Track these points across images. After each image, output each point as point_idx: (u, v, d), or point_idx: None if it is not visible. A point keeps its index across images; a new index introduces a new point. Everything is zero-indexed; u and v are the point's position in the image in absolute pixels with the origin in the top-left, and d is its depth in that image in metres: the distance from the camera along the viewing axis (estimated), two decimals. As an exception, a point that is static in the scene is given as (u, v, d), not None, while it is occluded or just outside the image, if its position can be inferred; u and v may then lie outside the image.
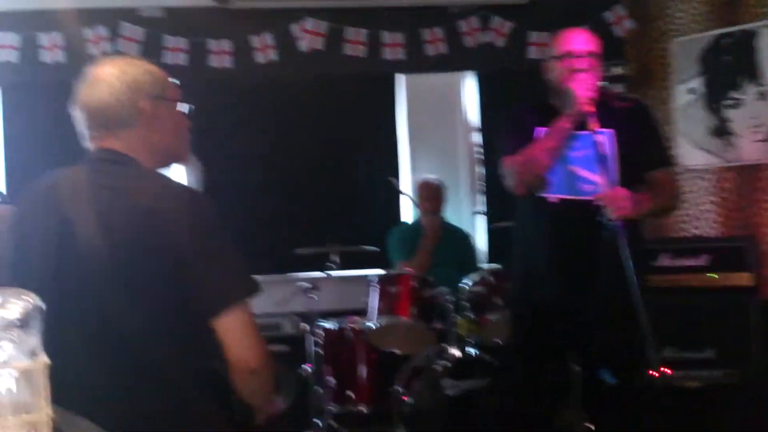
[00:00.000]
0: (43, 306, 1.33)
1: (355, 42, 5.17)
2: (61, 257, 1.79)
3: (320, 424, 4.20)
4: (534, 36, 5.24)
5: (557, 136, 2.91)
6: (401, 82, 5.49)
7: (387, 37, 5.19)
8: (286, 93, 5.27)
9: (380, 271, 4.38)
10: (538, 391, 3.08)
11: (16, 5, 4.84)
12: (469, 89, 5.55)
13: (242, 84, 5.18)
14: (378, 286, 4.17)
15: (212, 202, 1.85)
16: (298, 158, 5.32)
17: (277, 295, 4.42)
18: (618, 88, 5.11)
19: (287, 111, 5.30)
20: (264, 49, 5.08)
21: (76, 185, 1.83)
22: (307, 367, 4.32)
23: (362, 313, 4.25)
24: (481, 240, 5.40)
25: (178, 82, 2.01)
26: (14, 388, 1.27)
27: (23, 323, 1.29)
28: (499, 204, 4.61)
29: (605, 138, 2.91)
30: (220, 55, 5.06)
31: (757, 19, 4.76)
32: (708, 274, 4.24)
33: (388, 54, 5.20)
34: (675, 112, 5.08)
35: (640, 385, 2.92)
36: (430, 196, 4.80)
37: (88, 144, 1.93)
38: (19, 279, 1.84)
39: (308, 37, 5.11)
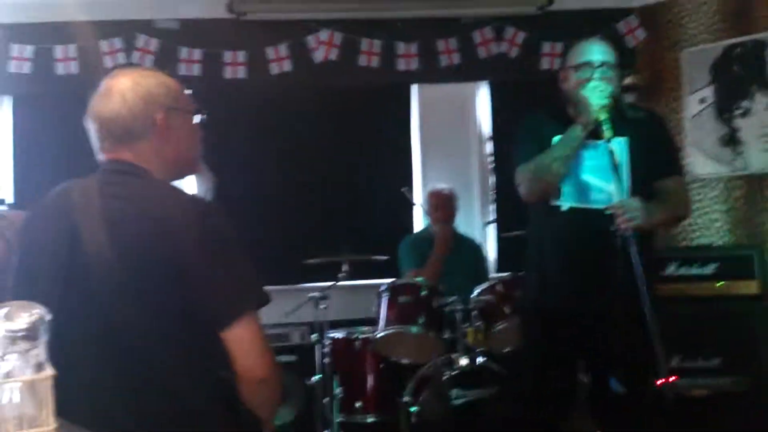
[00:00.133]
0: (50, 317, 1.33)
1: (369, 53, 5.20)
2: (71, 266, 1.79)
3: (328, 434, 4.21)
4: (547, 46, 5.24)
5: (571, 145, 2.93)
6: (415, 92, 5.52)
7: (401, 47, 5.22)
8: (300, 104, 5.29)
9: (390, 281, 4.37)
10: (546, 398, 3.08)
11: (31, 18, 4.91)
12: (482, 99, 5.56)
13: (256, 95, 5.21)
14: (388, 295, 4.16)
15: (224, 212, 1.85)
16: (310, 168, 5.34)
17: (286, 305, 4.43)
18: (629, 98, 5.11)
19: (301, 121, 5.32)
20: (278, 60, 5.13)
21: (88, 195, 1.84)
22: (316, 377, 4.33)
23: (372, 322, 4.24)
24: (491, 249, 5.40)
25: (192, 92, 2.03)
26: (19, 401, 1.28)
27: (30, 335, 1.31)
28: (510, 213, 4.61)
29: (619, 147, 2.92)
30: (235, 66, 5.10)
31: (768, 29, 4.75)
32: (716, 283, 4.22)
33: (402, 65, 5.23)
34: (686, 121, 5.07)
35: (648, 394, 2.92)
36: (442, 205, 4.80)
37: (101, 155, 1.93)
38: (27, 288, 1.84)
39: (323, 48, 5.15)
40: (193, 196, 1.94)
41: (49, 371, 1.32)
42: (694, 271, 4.27)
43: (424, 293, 4.11)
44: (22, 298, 1.77)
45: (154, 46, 5.02)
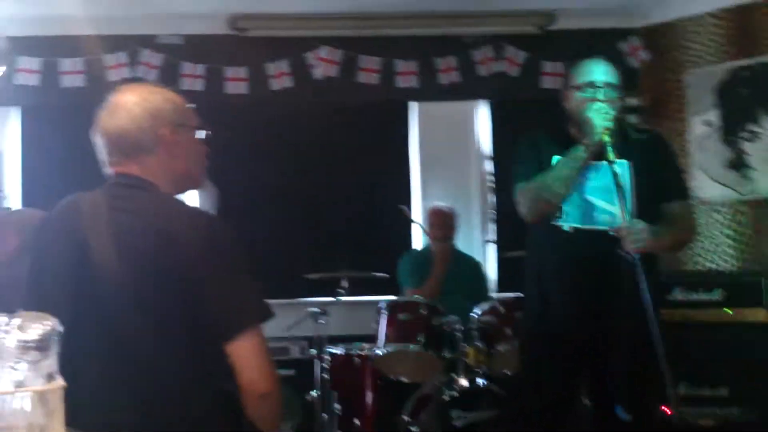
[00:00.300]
0: (61, 329, 1.34)
1: (369, 70, 5.22)
2: (78, 279, 1.81)
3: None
4: (548, 66, 5.26)
5: (574, 165, 2.91)
6: (414, 109, 5.52)
7: (401, 65, 5.25)
8: (300, 119, 5.32)
9: (390, 298, 4.36)
10: (547, 423, 3.04)
11: (39, 31, 4.96)
12: (482, 118, 5.56)
13: (257, 110, 5.24)
14: (387, 312, 4.15)
15: (229, 226, 1.87)
16: (310, 184, 5.35)
17: (285, 320, 4.42)
18: (633, 119, 5.11)
19: (301, 137, 5.35)
20: (279, 76, 5.16)
21: (95, 208, 1.86)
22: (314, 393, 4.30)
23: (371, 339, 4.23)
24: (491, 269, 5.38)
25: (194, 107, 2.05)
26: (29, 410, 1.28)
27: (42, 346, 1.31)
28: (510, 233, 4.60)
29: (622, 169, 2.89)
30: (236, 81, 5.14)
31: (775, 51, 4.76)
32: (722, 309, 4.15)
33: (402, 82, 5.25)
34: (690, 144, 5.05)
35: (654, 421, 2.89)
36: (441, 223, 4.79)
37: (108, 169, 1.96)
38: (36, 298, 1.87)
39: (323, 64, 5.18)
40: (198, 209, 1.96)
41: (59, 382, 1.33)
42: (700, 296, 4.20)
43: (423, 311, 4.09)
44: (31, 309, 1.79)
45: (157, 60, 5.07)
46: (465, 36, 5.32)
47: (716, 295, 4.18)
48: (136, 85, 2.02)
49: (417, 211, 5.31)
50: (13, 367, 1.30)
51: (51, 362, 1.33)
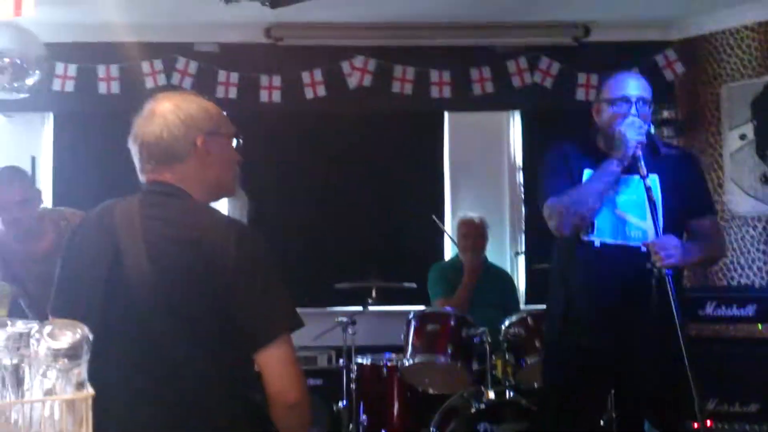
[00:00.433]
0: (92, 336, 1.35)
1: (403, 80, 5.23)
2: (110, 286, 1.82)
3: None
4: (582, 77, 5.23)
5: (606, 179, 2.88)
6: (447, 119, 5.52)
7: (435, 75, 5.25)
8: (333, 128, 5.35)
9: (419, 308, 4.35)
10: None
11: (76, 37, 5.04)
12: (515, 128, 5.55)
13: (290, 119, 5.27)
14: (416, 323, 4.14)
15: (261, 236, 1.88)
16: (341, 193, 5.38)
17: (314, 329, 4.42)
18: (668, 132, 5.07)
19: (333, 146, 5.37)
20: (313, 85, 5.18)
21: (128, 215, 1.88)
22: (341, 403, 4.31)
23: (399, 349, 4.22)
24: (521, 281, 5.36)
25: (228, 115, 2.06)
26: (58, 418, 1.29)
27: (72, 354, 1.31)
28: (541, 245, 4.57)
29: (653, 184, 2.87)
30: (270, 90, 5.17)
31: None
32: (756, 325, 4.08)
33: (435, 92, 5.25)
34: (725, 158, 5.01)
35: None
36: (471, 234, 4.77)
37: (142, 176, 1.97)
38: (65, 304, 1.89)
39: (357, 74, 5.19)
40: (231, 218, 1.97)
41: (89, 390, 1.33)
42: (733, 312, 4.15)
43: (452, 322, 4.08)
44: (61, 313, 1.83)
45: (193, 68, 5.12)
46: (500, 46, 5.31)
47: (749, 310, 4.14)
48: (171, 92, 2.02)
49: (448, 222, 5.31)
50: (43, 375, 1.30)
51: (81, 370, 1.33)
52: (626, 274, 2.87)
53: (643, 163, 2.81)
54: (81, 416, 1.32)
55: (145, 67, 5.05)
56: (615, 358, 2.91)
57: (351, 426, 4.25)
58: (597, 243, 2.93)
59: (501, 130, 5.54)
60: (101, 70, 5.07)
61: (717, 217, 3.16)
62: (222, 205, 2.17)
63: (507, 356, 4.02)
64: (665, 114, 5.10)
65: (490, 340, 4.00)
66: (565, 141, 3.14)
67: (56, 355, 1.31)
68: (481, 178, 5.48)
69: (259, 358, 1.80)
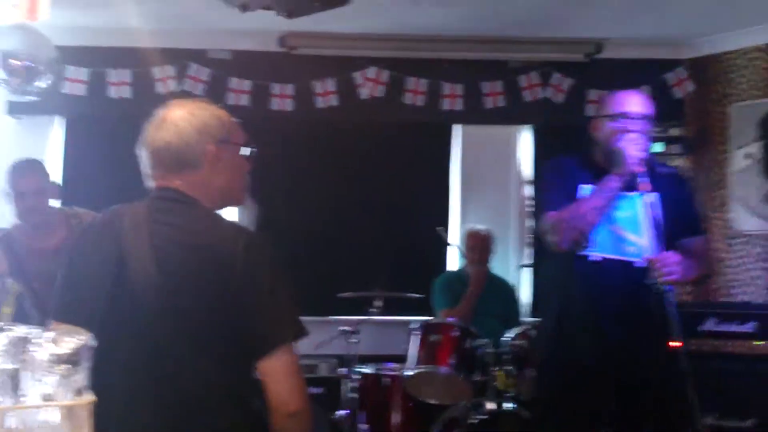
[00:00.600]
0: (94, 343, 1.35)
1: (415, 91, 5.26)
2: (115, 289, 1.82)
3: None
4: (593, 94, 5.24)
5: (606, 195, 2.88)
6: (457, 132, 5.55)
7: (446, 88, 5.27)
8: (344, 138, 5.37)
9: (422, 319, 4.36)
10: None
11: (88, 41, 5.05)
12: (525, 143, 5.57)
13: (301, 128, 5.29)
14: (419, 333, 4.15)
15: (269, 243, 1.88)
16: (349, 202, 5.40)
17: (316, 337, 4.43)
18: (676, 149, 5.08)
19: (343, 155, 5.40)
20: (325, 94, 5.20)
21: (137, 220, 1.88)
22: (342, 412, 4.32)
23: (402, 359, 4.23)
24: (526, 293, 5.36)
25: (239, 122, 2.06)
26: (56, 424, 1.29)
27: (73, 360, 1.32)
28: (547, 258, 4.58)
29: (655, 199, 2.88)
30: (282, 98, 5.19)
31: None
32: (755, 341, 4.11)
33: (447, 105, 5.28)
34: (731, 176, 5.03)
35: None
36: (478, 246, 4.79)
37: (151, 182, 1.97)
38: (68, 307, 1.89)
39: (369, 84, 5.22)
40: (239, 225, 1.96)
41: (89, 397, 1.33)
42: (733, 328, 4.17)
43: (455, 333, 4.09)
44: (63, 316, 1.83)
45: (205, 75, 5.14)
46: (512, 61, 5.33)
47: (750, 327, 4.15)
48: (183, 100, 2.02)
49: (455, 233, 5.32)
50: (42, 381, 1.30)
51: (82, 377, 1.33)
52: (624, 289, 2.88)
53: (643, 179, 2.82)
54: (80, 423, 1.32)
55: (157, 72, 5.06)
56: (611, 372, 2.90)
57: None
58: (594, 258, 2.93)
59: (511, 143, 5.56)
60: (113, 75, 5.07)
61: (706, 236, 3.16)
62: (231, 212, 2.18)
63: (509, 368, 4.03)
64: (674, 132, 5.11)
65: (492, 351, 4.02)
66: (565, 155, 3.15)
67: (57, 361, 1.31)
68: (489, 190, 5.50)
69: (262, 365, 1.80)
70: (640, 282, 2.78)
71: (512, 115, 5.37)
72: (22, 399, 1.32)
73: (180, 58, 5.12)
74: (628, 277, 2.86)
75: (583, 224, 2.89)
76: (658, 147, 5.06)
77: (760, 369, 4.05)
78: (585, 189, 2.97)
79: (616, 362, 2.88)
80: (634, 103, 2.97)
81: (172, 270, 1.80)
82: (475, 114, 5.32)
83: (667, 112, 5.15)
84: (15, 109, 5.07)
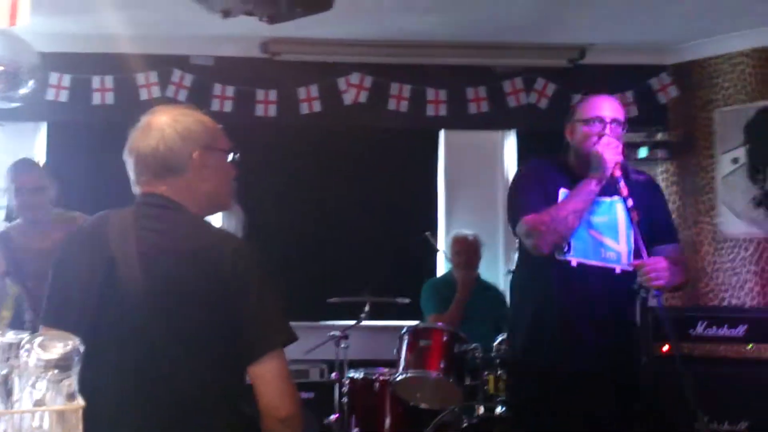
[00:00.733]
0: (83, 347, 1.34)
1: (399, 97, 5.26)
2: (103, 295, 1.81)
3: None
4: (577, 99, 5.23)
5: (585, 198, 2.86)
6: (442, 137, 5.55)
7: (431, 93, 5.28)
8: (329, 144, 5.36)
9: (412, 323, 4.34)
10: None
11: (71, 48, 5.03)
12: (510, 148, 5.59)
13: (285, 133, 5.28)
14: (409, 338, 4.14)
15: (256, 249, 1.87)
16: (336, 208, 5.38)
17: (306, 342, 4.41)
18: (661, 154, 5.11)
19: (328, 161, 5.39)
20: (309, 100, 5.20)
21: (122, 226, 1.87)
22: (333, 417, 4.29)
23: (392, 364, 4.22)
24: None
25: (223, 128, 2.06)
26: (47, 429, 1.28)
27: (62, 365, 1.30)
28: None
29: (633, 204, 2.85)
30: (266, 104, 5.18)
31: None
32: (745, 345, 4.11)
33: (431, 110, 5.29)
34: (717, 181, 5.07)
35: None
36: (465, 251, 4.80)
37: (137, 188, 1.96)
38: (56, 313, 1.88)
39: (353, 90, 5.22)
40: (225, 231, 1.97)
41: (80, 402, 1.32)
42: (724, 332, 4.16)
43: (444, 338, 4.08)
44: (52, 322, 1.83)
45: (188, 81, 5.12)
46: (496, 67, 5.36)
47: (740, 331, 4.15)
48: (168, 106, 2.02)
49: (442, 239, 5.31)
50: (33, 386, 1.29)
51: (72, 381, 1.32)
52: (603, 295, 2.87)
53: (622, 183, 2.81)
54: (71, 428, 1.30)
55: (140, 78, 5.04)
56: (588, 378, 2.87)
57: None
58: (573, 263, 2.90)
59: (496, 149, 5.58)
60: (96, 81, 5.04)
61: (680, 244, 3.15)
62: (217, 219, 2.17)
63: (499, 372, 4.02)
64: (659, 137, 5.15)
65: (482, 355, 4.02)
66: (538, 159, 3.14)
67: (47, 366, 1.29)
68: (475, 195, 5.50)
69: (252, 371, 1.80)
70: (618, 288, 2.79)
71: (497, 120, 5.38)
72: (13, 405, 1.31)
73: (163, 64, 5.10)
74: (605, 282, 2.86)
75: (564, 228, 2.84)
76: (642, 152, 5.09)
77: (751, 373, 4.05)
78: (561, 193, 2.95)
79: (593, 368, 2.86)
80: (607, 107, 2.96)
81: (159, 275, 1.80)
82: (459, 119, 5.33)
83: (651, 117, 5.20)
84: (-2, 115, 5.03)
